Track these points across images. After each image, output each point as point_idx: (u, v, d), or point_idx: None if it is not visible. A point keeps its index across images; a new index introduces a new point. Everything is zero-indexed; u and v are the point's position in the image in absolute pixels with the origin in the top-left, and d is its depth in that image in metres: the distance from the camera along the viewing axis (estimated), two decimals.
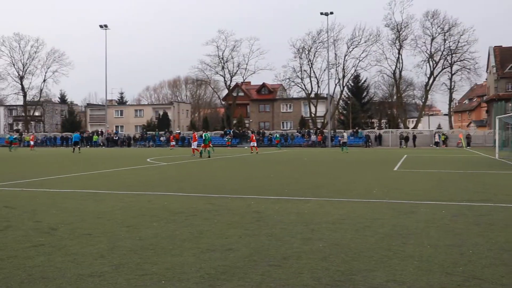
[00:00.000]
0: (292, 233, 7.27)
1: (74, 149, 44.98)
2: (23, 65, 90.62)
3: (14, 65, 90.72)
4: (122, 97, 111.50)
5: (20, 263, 5.66)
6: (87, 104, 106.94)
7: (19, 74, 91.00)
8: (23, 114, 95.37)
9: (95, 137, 71.82)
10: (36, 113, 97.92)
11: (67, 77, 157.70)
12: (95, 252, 6.17)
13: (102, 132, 76.69)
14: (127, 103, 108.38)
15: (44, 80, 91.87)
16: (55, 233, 7.37)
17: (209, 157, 32.10)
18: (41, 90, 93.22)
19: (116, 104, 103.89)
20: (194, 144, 34.69)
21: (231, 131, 70.81)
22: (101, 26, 73.64)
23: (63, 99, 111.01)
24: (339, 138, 51.14)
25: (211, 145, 35.39)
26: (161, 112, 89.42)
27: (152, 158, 31.45)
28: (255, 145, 43.19)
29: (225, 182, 15.50)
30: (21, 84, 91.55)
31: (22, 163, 27.82)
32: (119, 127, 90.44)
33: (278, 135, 62.40)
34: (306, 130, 70.76)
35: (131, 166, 23.55)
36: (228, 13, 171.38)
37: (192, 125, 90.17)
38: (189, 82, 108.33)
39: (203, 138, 33.18)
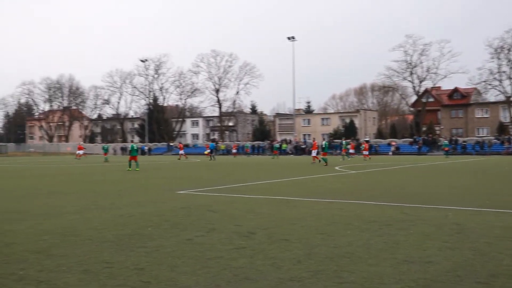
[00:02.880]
0: (500, 249, 6.68)
1: (211, 157, 48.86)
2: (218, 79, 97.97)
3: (211, 79, 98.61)
4: (309, 106, 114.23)
5: (226, 264, 6.05)
6: (276, 113, 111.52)
7: (215, 87, 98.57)
8: (218, 124, 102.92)
9: (284, 146, 74.40)
10: (230, 123, 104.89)
11: (258, 89, 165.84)
12: (293, 257, 6.34)
13: (290, 140, 79.21)
14: (314, 112, 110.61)
15: (237, 92, 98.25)
16: (254, 237, 7.74)
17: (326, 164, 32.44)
18: (234, 101, 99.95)
19: (303, 113, 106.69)
20: (314, 152, 35.63)
21: (421, 139, 68.05)
22: (288, 38, 76.36)
23: (253, 110, 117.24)
24: None
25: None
26: (347, 120, 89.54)
27: (340, 166, 31.57)
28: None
29: (417, 191, 14.90)
30: (217, 96, 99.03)
31: (220, 169, 29.85)
32: (307, 135, 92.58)
33: (447, 142, 57.24)
34: (506, 137, 65.00)
35: (320, 174, 23.88)
36: (416, 17, 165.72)
37: (379, 133, 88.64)
38: (376, 89, 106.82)
39: (323, 146, 34.15)
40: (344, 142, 51.73)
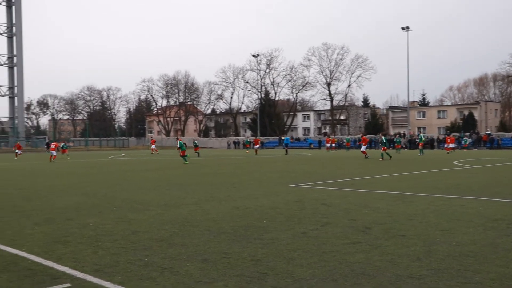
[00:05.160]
0: None
1: (286, 151, 48.28)
2: (330, 72, 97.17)
3: (322, 72, 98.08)
4: (424, 98, 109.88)
5: (342, 258, 5.98)
6: (389, 106, 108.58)
7: (326, 81, 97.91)
8: (330, 118, 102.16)
9: (397, 139, 72.22)
10: (342, 117, 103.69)
11: (370, 81, 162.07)
12: (411, 254, 6.12)
13: (404, 134, 76.75)
14: (429, 104, 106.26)
15: (349, 85, 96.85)
16: (370, 232, 7.58)
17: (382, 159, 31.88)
18: (346, 94, 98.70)
19: (418, 105, 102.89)
20: (363, 147, 35.52)
21: None
22: (403, 28, 73.85)
23: (366, 103, 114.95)
24: None
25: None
26: (466, 113, 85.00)
27: (459, 161, 30.05)
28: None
29: None
30: (329, 90, 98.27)
31: (331, 163, 29.56)
32: (421, 128, 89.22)
33: None
34: None
35: (437, 169, 22.89)
36: None
37: (502, 125, 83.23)
38: (498, 79, 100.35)
39: (384, 141, 34.20)
40: (421, 135, 49.20)
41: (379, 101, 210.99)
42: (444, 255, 6.07)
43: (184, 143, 32.91)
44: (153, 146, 56.28)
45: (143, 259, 6.09)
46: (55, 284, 5.13)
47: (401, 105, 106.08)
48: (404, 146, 69.62)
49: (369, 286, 4.90)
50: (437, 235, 7.27)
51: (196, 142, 47.47)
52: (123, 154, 37.91)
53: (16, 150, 47.50)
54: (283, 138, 52.62)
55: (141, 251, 6.55)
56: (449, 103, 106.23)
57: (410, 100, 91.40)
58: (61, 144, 48.73)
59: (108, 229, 8.21)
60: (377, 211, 9.76)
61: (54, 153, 38.46)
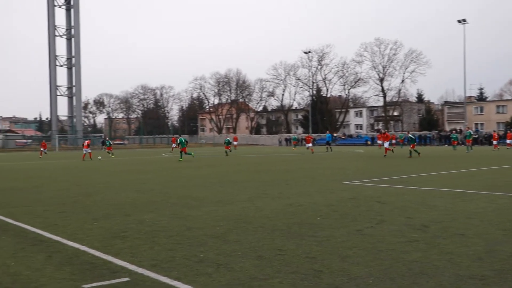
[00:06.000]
0: None
1: (327, 148, 47.63)
2: (383, 67, 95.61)
3: (375, 68, 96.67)
4: (481, 93, 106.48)
5: (399, 257, 5.85)
6: (444, 102, 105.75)
7: (379, 77, 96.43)
8: (383, 114, 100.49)
9: (453, 136, 70.26)
10: (395, 113, 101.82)
11: (424, 76, 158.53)
12: (472, 254, 5.93)
13: (461, 130, 74.59)
14: (487, 99, 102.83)
15: (402, 81, 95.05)
16: (427, 230, 7.40)
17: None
18: (399, 90, 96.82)
19: (475, 100, 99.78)
20: (386, 144, 34.88)
21: None
22: (459, 21, 71.75)
23: (420, 98, 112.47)
24: None
25: None
26: None
27: None
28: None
29: None
30: (381, 85, 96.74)
31: (385, 160, 29.07)
32: (479, 124, 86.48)
33: None
34: None
35: (495, 166, 22.12)
36: None
37: None
38: None
39: (413, 137, 33.24)
40: (469, 132, 47.21)
41: (433, 97, 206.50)
42: (507, 255, 5.84)
43: (186, 140, 33.52)
44: (173, 145, 55.62)
45: (198, 255, 6.15)
46: (114, 278, 5.26)
47: (457, 100, 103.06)
48: (460, 142, 67.58)
49: (428, 286, 4.77)
50: (499, 235, 7.02)
51: (228, 139, 45.55)
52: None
53: (42, 149, 46.44)
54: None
55: (197, 247, 6.62)
56: (509, 98, 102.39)
57: (467, 95, 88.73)
58: (105, 141, 46.78)
59: (164, 225, 8.35)
60: (434, 209, 9.51)
61: (89, 150, 37.40)
